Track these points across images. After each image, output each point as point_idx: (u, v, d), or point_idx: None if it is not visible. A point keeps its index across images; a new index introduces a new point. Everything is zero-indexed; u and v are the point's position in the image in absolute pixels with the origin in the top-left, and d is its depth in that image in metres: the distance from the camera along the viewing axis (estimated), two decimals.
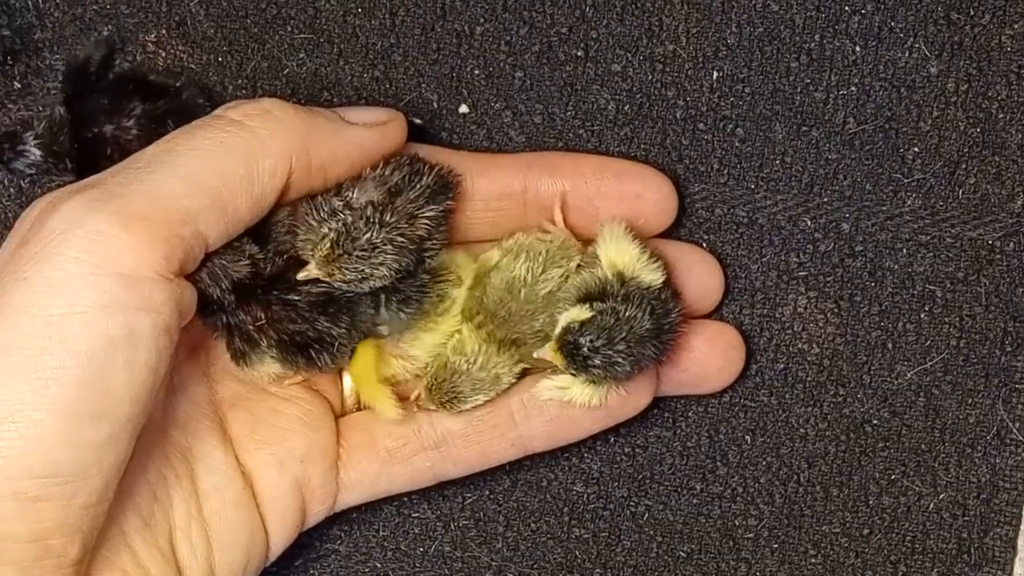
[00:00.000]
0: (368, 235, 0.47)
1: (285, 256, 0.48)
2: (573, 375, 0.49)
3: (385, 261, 0.47)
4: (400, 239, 0.47)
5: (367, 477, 0.52)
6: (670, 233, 0.52)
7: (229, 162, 0.45)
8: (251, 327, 0.48)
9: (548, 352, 0.48)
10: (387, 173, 0.48)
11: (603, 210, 0.50)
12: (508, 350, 0.50)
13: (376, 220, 0.47)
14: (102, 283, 0.42)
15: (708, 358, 0.52)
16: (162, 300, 0.43)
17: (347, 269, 0.47)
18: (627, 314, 0.48)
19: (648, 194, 0.51)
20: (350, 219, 0.47)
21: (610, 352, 0.48)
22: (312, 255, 0.47)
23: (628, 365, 0.48)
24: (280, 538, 0.51)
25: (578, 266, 0.50)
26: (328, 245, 0.47)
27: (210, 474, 0.49)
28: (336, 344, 0.48)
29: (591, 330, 0.48)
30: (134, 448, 0.46)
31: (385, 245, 0.47)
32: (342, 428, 0.52)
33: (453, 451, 0.52)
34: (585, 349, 0.48)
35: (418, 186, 0.48)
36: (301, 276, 0.47)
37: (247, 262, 0.47)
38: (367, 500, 0.52)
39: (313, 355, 0.48)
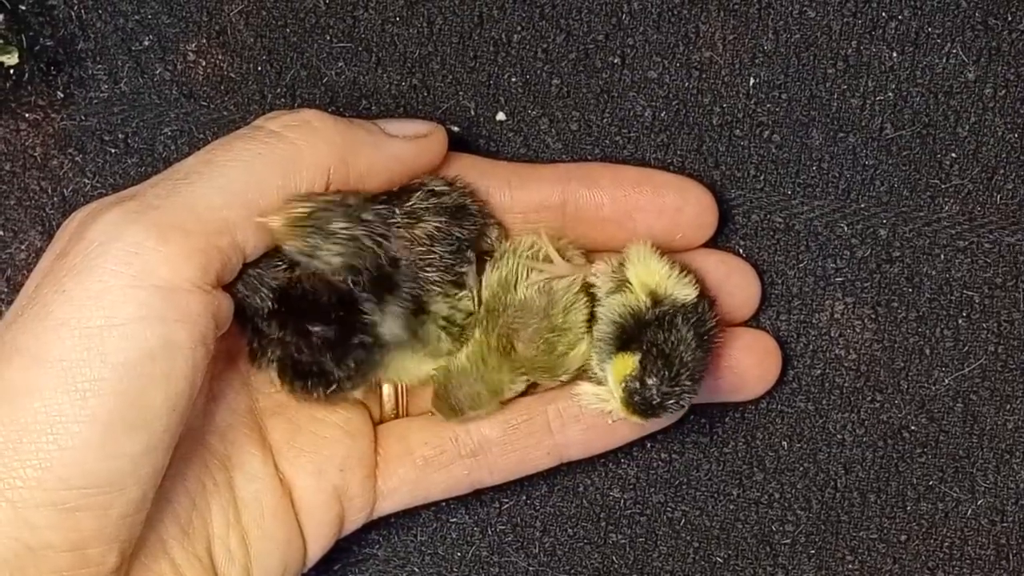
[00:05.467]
0: (338, 224, 0.46)
1: (309, 284, 0.48)
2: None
3: (340, 252, 0.46)
4: (367, 240, 0.47)
5: (404, 485, 0.52)
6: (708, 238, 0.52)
7: (267, 173, 0.45)
8: (264, 338, 0.48)
9: (621, 413, 0.47)
10: (434, 191, 0.49)
11: (642, 223, 0.50)
12: (508, 359, 0.50)
13: (353, 213, 0.47)
14: (140, 295, 0.42)
15: (745, 366, 0.52)
16: (199, 311, 0.43)
17: (302, 239, 0.46)
18: (672, 341, 0.47)
19: (688, 208, 0.51)
20: (335, 200, 0.46)
21: (677, 388, 0.47)
22: (286, 210, 0.46)
23: (696, 387, 0.47)
24: (317, 546, 0.51)
25: (594, 295, 0.50)
26: (304, 210, 0.46)
27: (249, 482, 0.49)
28: (336, 384, 0.48)
29: (651, 376, 0.46)
30: (172, 456, 0.46)
31: (349, 240, 0.46)
32: (379, 436, 0.52)
33: (490, 459, 0.52)
34: (656, 399, 0.47)
35: (431, 208, 0.48)
36: (260, 219, 0.45)
37: (284, 266, 0.47)
38: (404, 508, 0.53)
39: (310, 385, 0.49)
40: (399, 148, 0.48)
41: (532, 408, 0.52)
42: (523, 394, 0.52)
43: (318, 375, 0.48)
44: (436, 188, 0.49)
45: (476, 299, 0.50)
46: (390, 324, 0.48)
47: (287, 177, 0.46)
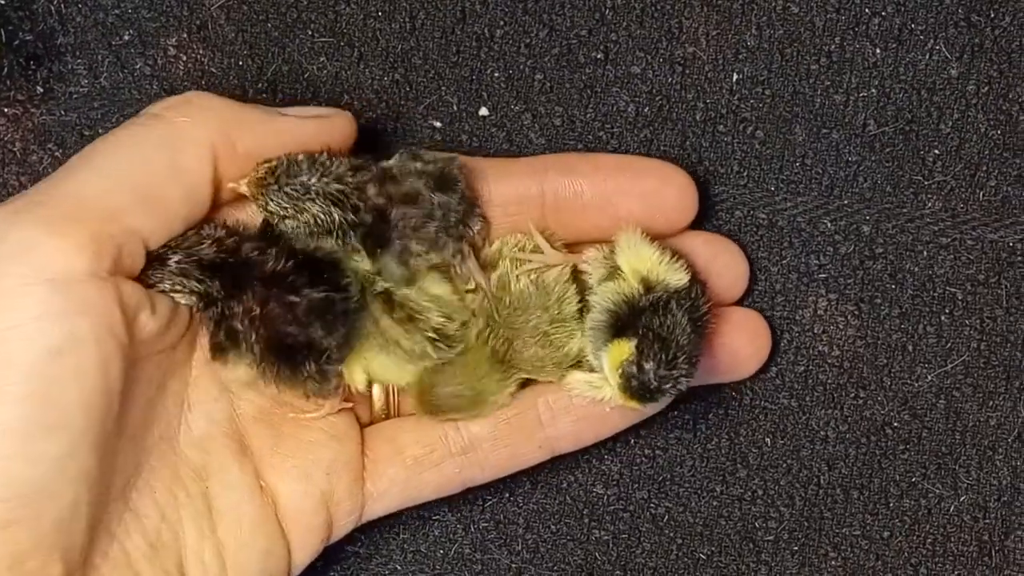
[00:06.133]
0: (304, 177, 0.46)
1: (297, 257, 0.47)
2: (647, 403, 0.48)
3: (313, 208, 0.46)
4: (337, 194, 0.47)
5: (395, 486, 0.51)
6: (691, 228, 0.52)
7: (150, 155, 0.45)
8: (238, 322, 0.47)
9: (618, 399, 0.47)
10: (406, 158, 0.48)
11: (623, 208, 0.50)
12: (500, 368, 0.50)
13: (319, 168, 0.47)
14: (35, 292, 0.42)
15: (736, 345, 0.52)
16: (100, 301, 0.43)
17: (271, 200, 0.46)
18: (668, 324, 0.47)
19: (668, 190, 0.50)
20: (299, 158, 0.47)
21: (674, 372, 0.46)
22: (251, 173, 0.46)
23: (693, 371, 0.47)
24: (304, 553, 0.50)
25: (585, 287, 0.50)
26: (265, 170, 0.46)
27: (225, 492, 0.48)
28: (325, 355, 0.47)
29: (648, 361, 0.46)
30: (140, 468, 0.46)
31: (317, 195, 0.46)
32: (368, 438, 0.51)
33: (480, 456, 0.51)
34: (653, 383, 0.46)
35: (411, 172, 0.48)
36: (231, 186, 0.46)
37: (210, 242, 0.46)
38: (395, 510, 0.52)
39: (299, 361, 0.47)
40: (292, 125, 0.48)
41: (522, 402, 0.51)
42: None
43: (306, 347, 0.47)
44: (420, 153, 0.48)
45: (486, 293, 0.50)
46: (389, 267, 0.48)
47: (172, 155, 0.45)
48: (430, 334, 0.49)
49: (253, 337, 0.47)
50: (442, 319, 0.49)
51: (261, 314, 0.47)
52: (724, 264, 0.52)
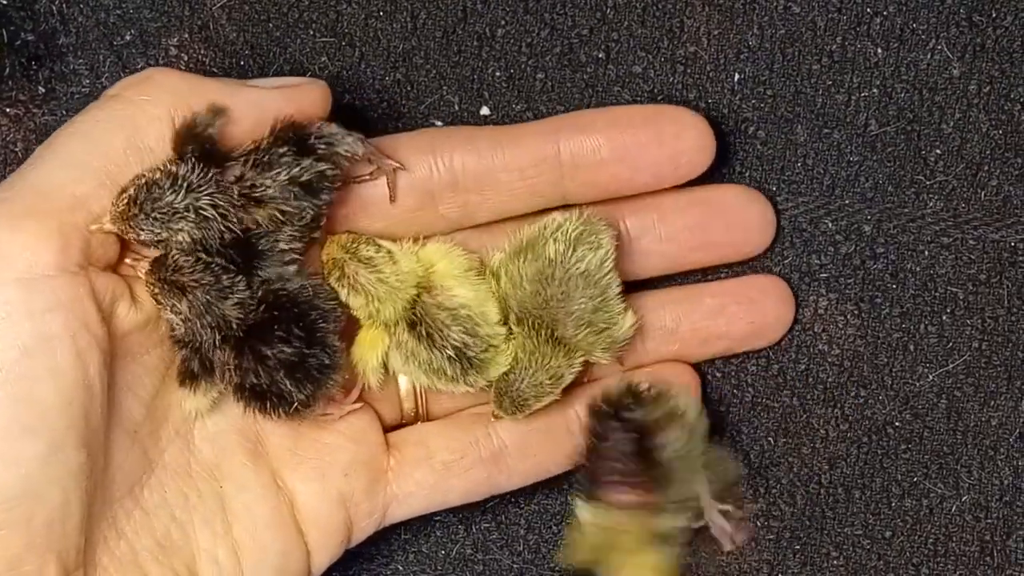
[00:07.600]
0: (171, 198, 0.44)
1: (267, 305, 0.46)
2: None
3: (185, 228, 0.44)
4: (209, 209, 0.44)
5: (421, 490, 0.50)
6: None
7: (109, 137, 0.44)
8: (215, 357, 0.46)
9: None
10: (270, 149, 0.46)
11: (643, 158, 0.49)
12: (560, 346, 0.49)
13: (183, 184, 0.44)
14: (1, 292, 0.41)
15: (763, 309, 0.52)
16: (70, 296, 0.42)
17: (142, 229, 0.44)
18: None
19: (686, 132, 0.50)
20: (158, 177, 0.44)
21: None
22: (111, 208, 0.44)
23: None
24: (324, 555, 0.49)
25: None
26: (125, 202, 0.44)
27: (240, 492, 0.48)
28: (293, 405, 0.47)
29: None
30: (153, 464, 0.46)
31: (187, 211, 0.44)
32: (397, 440, 0.51)
33: (509, 463, 0.51)
34: None
35: (283, 174, 0.45)
36: (93, 228, 0.43)
37: (235, 304, 0.45)
38: (420, 513, 0.51)
39: (269, 407, 0.47)
40: (256, 94, 0.46)
41: (553, 411, 0.51)
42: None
43: (276, 396, 0.46)
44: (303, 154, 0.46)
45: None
46: (276, 272, 0.46)
47: (132, 135, 0.44)
48: (449, 352, 0.49)
49: (227, 376, 0.46)
50: (463, 336, 0.49)
51: (236, 366, 0.46)
52: (754, 214, 0.52)
